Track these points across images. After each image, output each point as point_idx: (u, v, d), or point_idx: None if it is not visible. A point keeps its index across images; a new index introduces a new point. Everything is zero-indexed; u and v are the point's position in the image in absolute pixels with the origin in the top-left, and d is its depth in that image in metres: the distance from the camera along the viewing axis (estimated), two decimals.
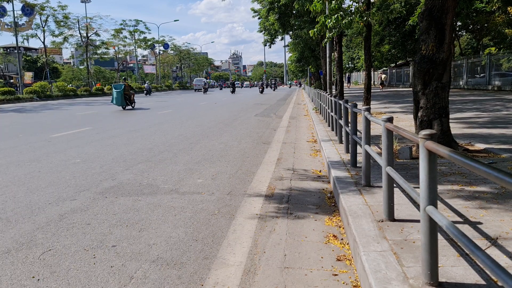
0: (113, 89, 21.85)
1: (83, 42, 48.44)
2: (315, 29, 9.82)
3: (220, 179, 6.01)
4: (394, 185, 3.54)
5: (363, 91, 14.28)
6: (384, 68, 50.64)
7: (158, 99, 35.60)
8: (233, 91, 47.99)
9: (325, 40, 12.21)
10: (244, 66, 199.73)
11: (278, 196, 5.09)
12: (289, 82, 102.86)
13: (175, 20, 67.85)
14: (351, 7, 10.19)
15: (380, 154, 3.88)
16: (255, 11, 29.63)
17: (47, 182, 5.89)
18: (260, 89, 47.62)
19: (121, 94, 21.49)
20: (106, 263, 3.25)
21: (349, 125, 6.24)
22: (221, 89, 73.94)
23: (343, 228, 3.90)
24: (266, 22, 27.74)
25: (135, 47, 61.84)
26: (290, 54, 52.05)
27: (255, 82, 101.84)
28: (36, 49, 74.92)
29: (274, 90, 60.95)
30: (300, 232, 3.85)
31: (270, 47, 35.11)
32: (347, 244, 3.54)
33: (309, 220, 4.17)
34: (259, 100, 30.14)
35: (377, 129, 8.26)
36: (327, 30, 9.81)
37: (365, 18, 10.07)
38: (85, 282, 2.95)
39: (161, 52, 71.77)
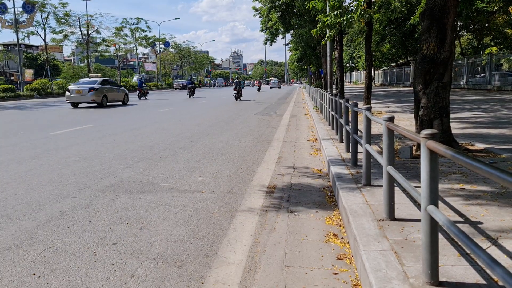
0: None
1: (83, 39, 48.36)
2: (317, 28, 9.80)
3: (221, 177, 6.01)
4: (395, 184, 3.54)
5: (363, 90, 14.27)
6: (385, 68, 50.55)
7: (159, 97, 35.57)
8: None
9: (325, 38, 12.18)
10: (245, 65, 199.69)
11: (278, 195, 5.09)
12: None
13: (176, 18, 67.99)
14: (352, 6, 10.16)
15: (380, 153, 3.88)
16: (256, 10, 29.58)
17: (48, 179, 5.89)
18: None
19: None
20: (107, 260, 3.26)
21: (350, 124, 6.24)
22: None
23: (344, 227, 3.91)
24: (268, 22, 27.67)
25: (135, 45, 61.74)
26: (291, 53, 52.08)
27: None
28: (36, 47, 74.79)
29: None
30: (301, 231, 3.85)
31: (271, 45, 35.16)
32: (348, 243, 3.54)
33: (309, 219, 4.17)
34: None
35: (377, 128, 8.27)
36: (328, 29, 9.79)
37: (366, 15, 10.04)
38: (85, 279, 2.95)
39: (162, 50, 71.69)
